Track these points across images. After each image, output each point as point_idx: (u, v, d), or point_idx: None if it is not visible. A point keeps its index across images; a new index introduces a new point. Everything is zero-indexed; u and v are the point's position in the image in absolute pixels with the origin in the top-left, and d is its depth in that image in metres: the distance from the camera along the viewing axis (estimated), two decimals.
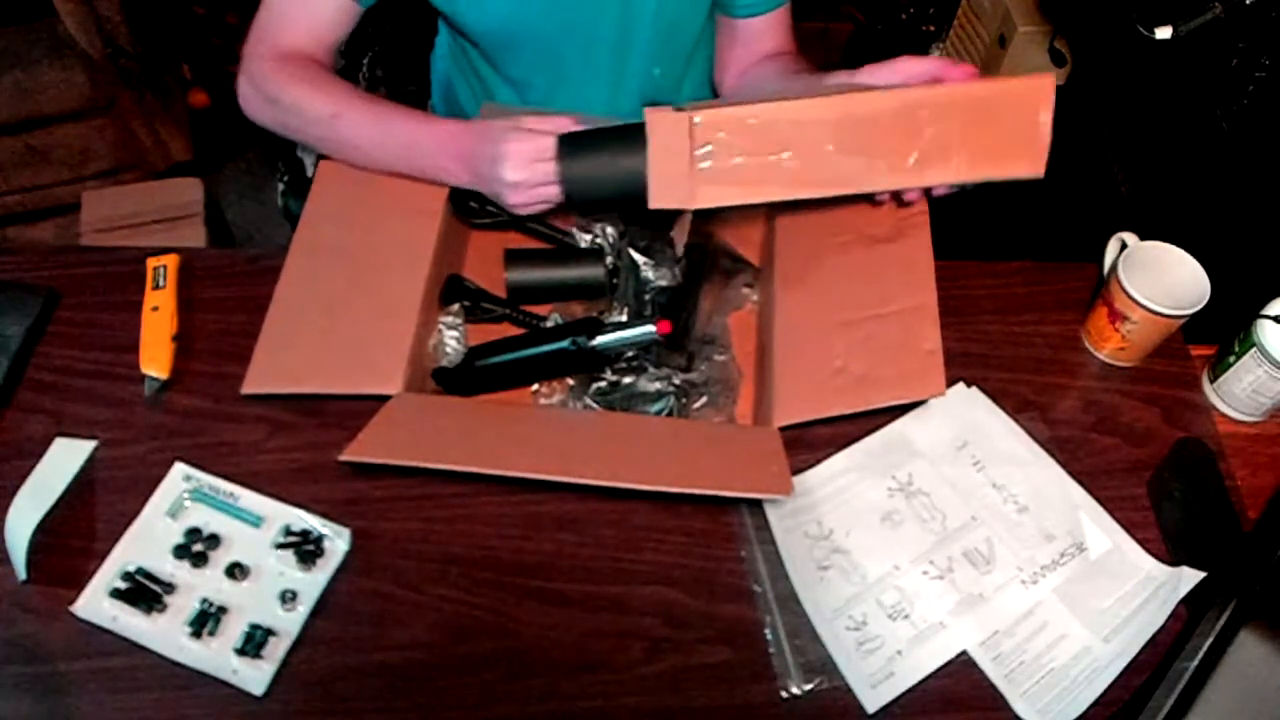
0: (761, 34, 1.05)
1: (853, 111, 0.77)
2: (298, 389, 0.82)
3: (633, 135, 0.79)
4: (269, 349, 0.83)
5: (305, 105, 0.89)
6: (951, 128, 0.77)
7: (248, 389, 0.81)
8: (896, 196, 0.84)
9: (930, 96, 0.77)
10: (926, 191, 0.82)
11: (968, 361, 0.89)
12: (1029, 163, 0.79)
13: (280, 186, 1.30)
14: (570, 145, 0.81)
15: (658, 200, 0.80)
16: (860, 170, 0.79)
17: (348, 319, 0.84)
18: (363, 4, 0.94)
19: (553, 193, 0.83)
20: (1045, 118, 0.78)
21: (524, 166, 0.81)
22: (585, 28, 1.00)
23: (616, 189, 0.81)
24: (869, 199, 0.83)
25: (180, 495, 0.79)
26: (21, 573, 0.74)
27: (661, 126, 0.76)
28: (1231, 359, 0.86)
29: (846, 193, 0.80)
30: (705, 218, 0.96)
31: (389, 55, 1.20)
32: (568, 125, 0.83)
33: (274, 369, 0.82)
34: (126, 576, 0.74)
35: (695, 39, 1.08)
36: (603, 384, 0.88)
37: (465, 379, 0.88)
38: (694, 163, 0.77)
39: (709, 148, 0.76)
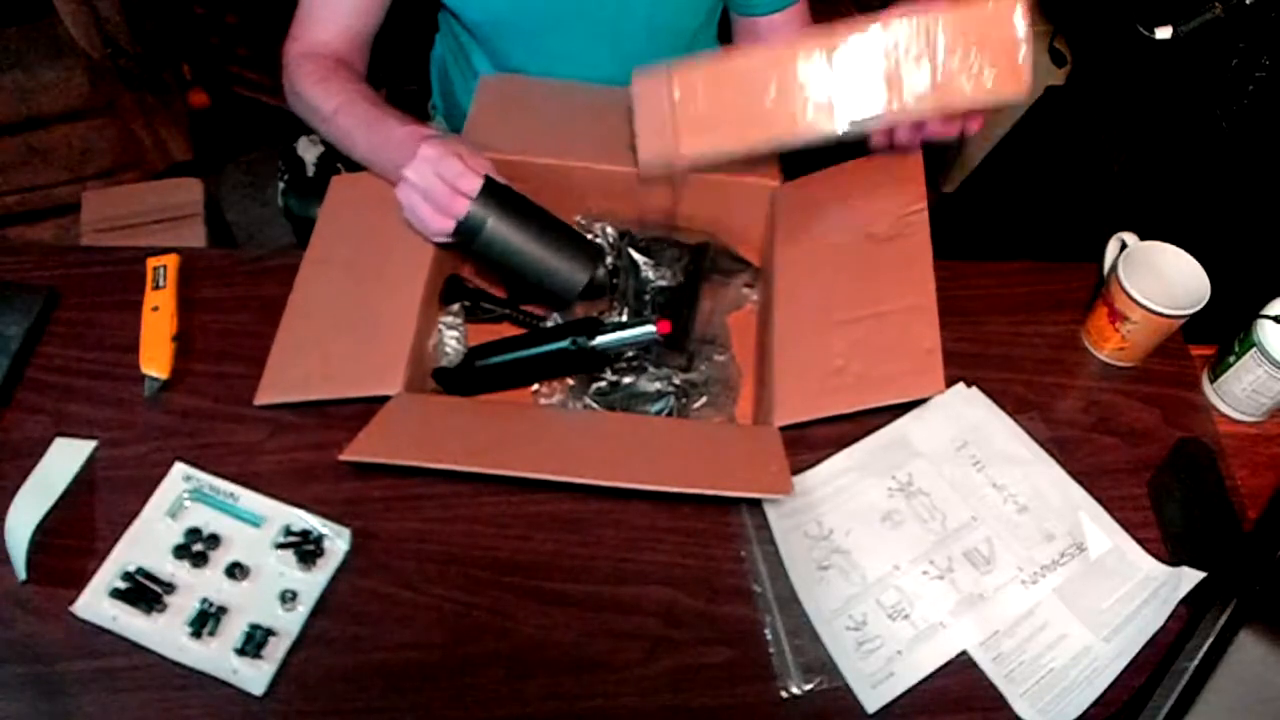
0: (782, 28, 1.05)
1: (828, 48, 0.78)
2: (305, 397, 0.82)
3: (564, 233, 0.85)
4: (280, 360, 0.84)
5: (316, 102, 0.94)
6: (927, 57, 0.79)
7: (260, 400, 0.82)
8: (891, 142, 0.85)
9: (903, 29, 0.78)
10: (922, 140, 0.83)
11: (968, 361, 0.89)
12: (1012, 85, 0.80)
13: (281, 185, 1.30)
14: (496, 190, 0.82)
15: (646, 153, 0.83)
16: (841, 108, 0.80)
17: (351, 323, 0.85)
18: None
19: (433, 224, 0.82)
20: (1020, 34, 0.78)
21: (425, 166, 0.81)
22: (580, 19, 1.00)
23: (520, 257, 0.83)
24: (863, 149, 0.84)
25: (180, 495, 0.79)
26: (21, 573, 0.74)
27: (644, 87, 0.80)
28: (1231, 359, 0.86)
29: (830, 134, 0.81)
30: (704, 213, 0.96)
31: (389, 55, 1.20)
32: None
33: (284, 379, 0.83)
34: (126, 576, 0.74)
35: (692, 35, 1.08)
36: (603, 384, 0.88)
37: (465, 379, 0.88)
38: (674, 112, 0.80)
39: (693, 96, 0.80)
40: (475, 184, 0.81)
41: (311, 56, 0.97)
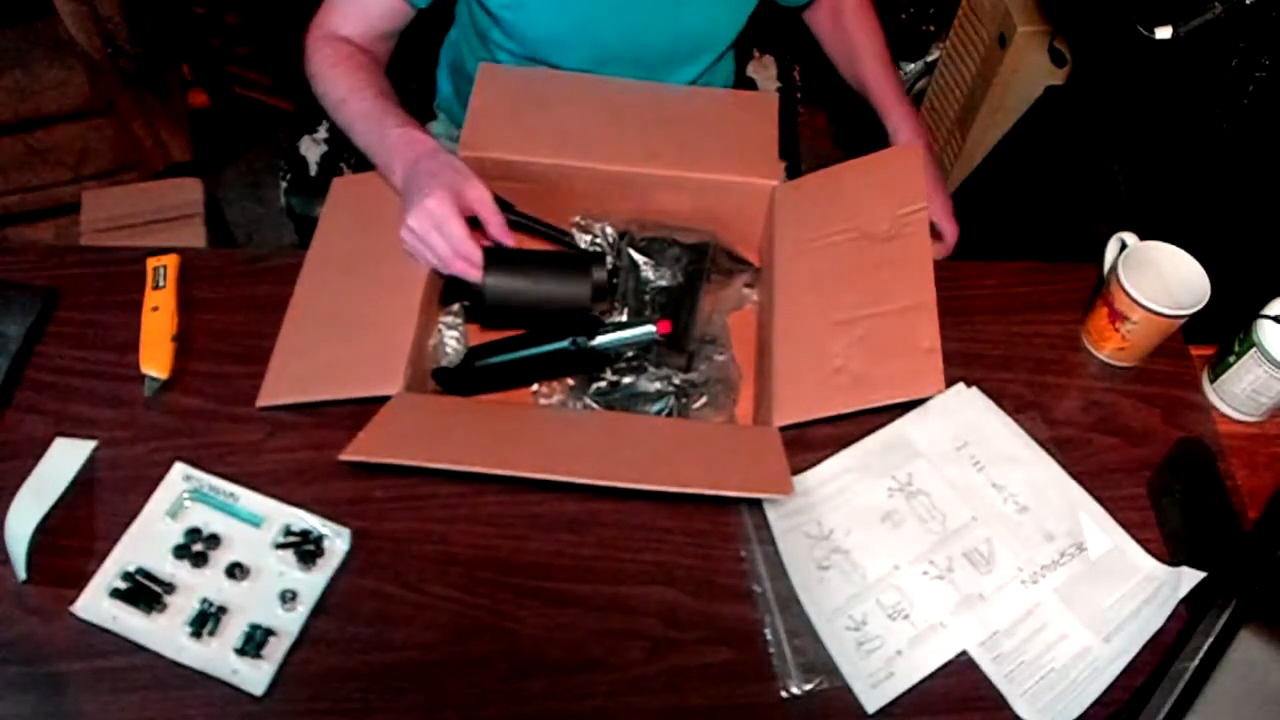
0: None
1: None
2: (306, 398, 0.82)
3: (556, 262, 0.89)
4: (281, 362, 0.84)
5: (327, 88, 0.96)
6: None
7: (263, 402, 0.82)
8: None
9: None
10: None
11: (968, 361, 0.89)
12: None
13: (283, 185, 1.29)
14: (496, 259, 0.86)
15: None
16: None
17: (351, 324, 0.85)
18: (417, 5, 1.00)
19: (429, 254, 0.85)
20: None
21: (426, 221, 0.83)
22: (639, 32, 1.02)
23: (531, 303, 0.87)
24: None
25: (180, 495, 0.79)
26: (21, 573, 0.74)
27: None
28: (1231, 359, 0.86)
29: None
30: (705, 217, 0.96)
31: (394, 54, 1.20)
32: (502, 227, 0.87)
33: (285, 381, 0.83)
34: (126, 576, 0.74)
35: (729, 42, 1.10)
36: (603, 384, 0.88)
37: (465, 379, 0.88)
38: None
39: None
40: (474, 251, 0.84)
41: (330, 41, 0.98)
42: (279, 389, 0.83)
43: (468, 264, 0.84)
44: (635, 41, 1.03)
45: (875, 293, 0.84)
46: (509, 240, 0.88)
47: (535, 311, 0.88)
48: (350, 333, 0.85)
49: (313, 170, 1.29)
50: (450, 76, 1.23)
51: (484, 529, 0.79)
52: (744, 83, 1.38)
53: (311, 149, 1.31)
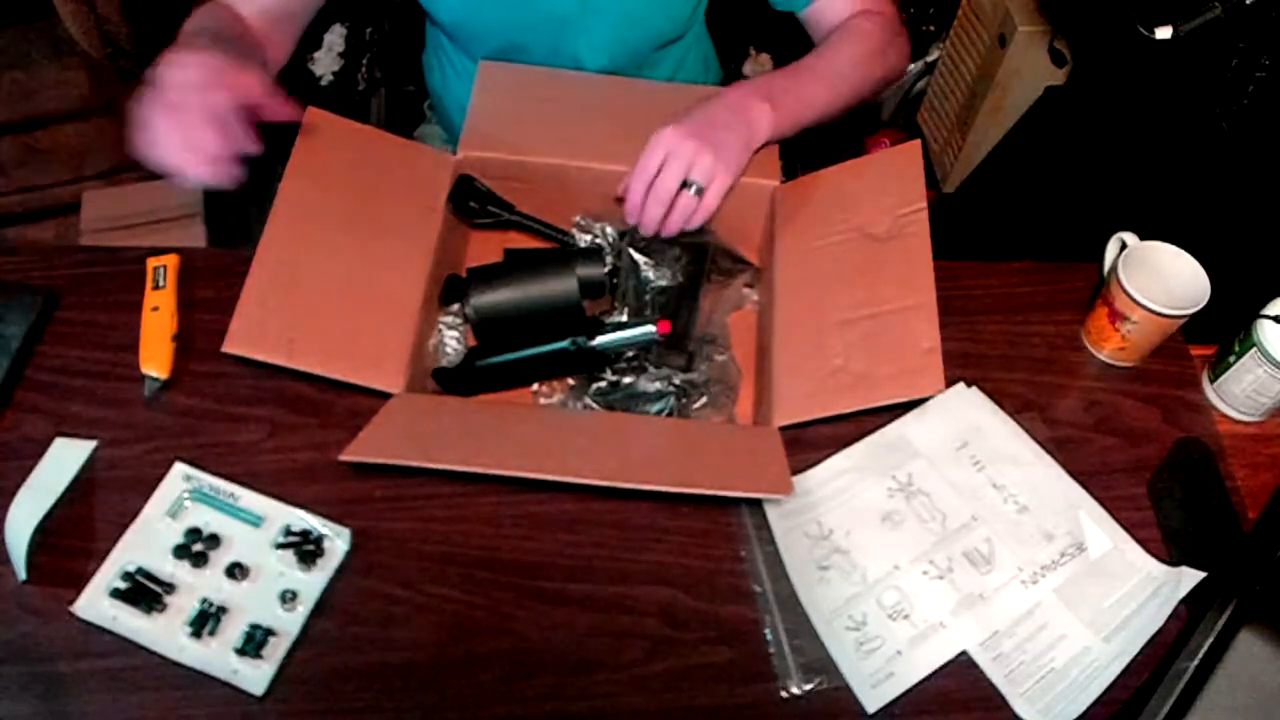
0: (832, 10, 1.02)
1: None
2: (288, 363, 0.80)
3: (541, 264, 0.89)
4: (252, 312, 0.81)
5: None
6: None
7: (230, 349, 0.79)
8: None
9: None
10: None
11: (968, 361, 0.89)
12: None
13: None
14: (478, 277, 0.89)
15: None
16: None
17: (346, 307, 0.83)
18: None
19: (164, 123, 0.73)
20: None
21: (181, 73, 0.74)
22: (544, 18, 1.00)
23: (522, 311, 0.88)
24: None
25: (180, 495, 0.79)
26: (21, 573, 0.74)
27: None
28: (1231, 359, 0.86)
29: None
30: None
31: (387, 56, 1.20)
32: (278, 109, 0.79)
33: (260, 335, 0.80)
34: (126, 576, 0.74)
35: (663, 37, 1.08)
36: (603, 384, 0.88)
37: (465, 379, 0.88)
38: None
39: None
40: (220, 135, 0.72)
41: (211, 4, 0.92)
42: (252, 342, 0.80)
43: (203, 151, 0.71)
44: (543, 20, 1.00)
45: (875, 293, 0.84)
46: (287, 115, 0.81)
47: (529, 318, 0.88)
48: (342, 313, 0.83)
49: None
50: (429, 82, 1.23)
51: (484, 529, 0.79)
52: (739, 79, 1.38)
53: None
